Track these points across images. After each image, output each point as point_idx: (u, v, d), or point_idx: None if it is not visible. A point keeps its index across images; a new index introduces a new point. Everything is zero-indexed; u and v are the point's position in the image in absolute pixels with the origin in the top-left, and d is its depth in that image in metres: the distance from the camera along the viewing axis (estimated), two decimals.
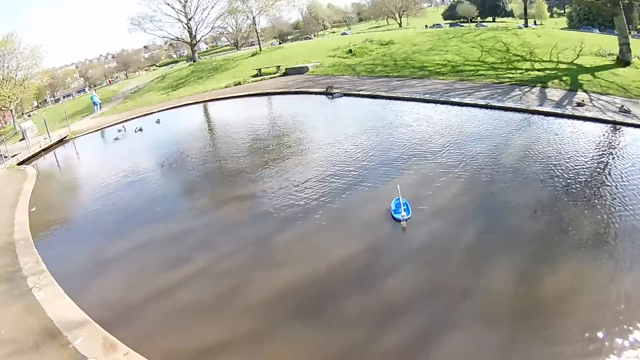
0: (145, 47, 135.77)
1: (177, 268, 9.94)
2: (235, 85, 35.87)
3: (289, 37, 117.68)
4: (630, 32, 31.07)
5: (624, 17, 27.80)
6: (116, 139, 25.40)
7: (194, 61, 61.87)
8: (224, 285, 9.22)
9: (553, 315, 7.71)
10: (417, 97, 24.94)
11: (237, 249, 10.54)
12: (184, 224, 12.36)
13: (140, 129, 26.68)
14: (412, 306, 8.20)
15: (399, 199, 11.50)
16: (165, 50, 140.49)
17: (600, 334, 7.12)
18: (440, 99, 24.05)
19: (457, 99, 23.53)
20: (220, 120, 26.45)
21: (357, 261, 9.67)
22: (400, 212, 11.10)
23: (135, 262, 10.74)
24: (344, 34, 79.95)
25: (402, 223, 10.94)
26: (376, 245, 10.33)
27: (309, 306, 8.40)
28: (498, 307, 8.04)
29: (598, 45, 29.50)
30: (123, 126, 28.45)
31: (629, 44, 27.02)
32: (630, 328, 7.21)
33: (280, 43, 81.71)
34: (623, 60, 26.67)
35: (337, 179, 13.95)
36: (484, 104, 22.51)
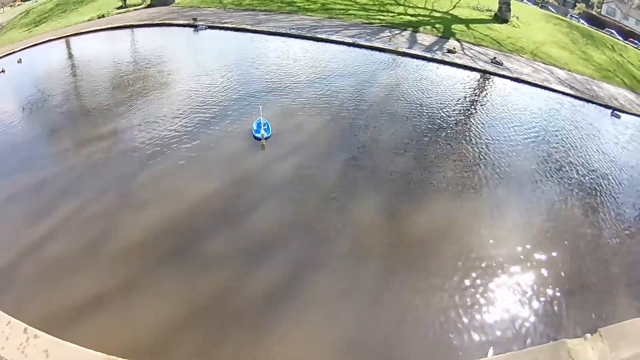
0: None
1: (44, 219, 9.39)
2: (99, 18, 32.90)
3: None
4: None
5: None
6: None
7: None
8: (91, 233, 8.90)
9: (424, 248, 8.42)
10: (283, 31, 22.68)
11: (102, 192, 10.13)
12: (47, 170, 11.56)
13: (3, 71, 22.91)
14: (281, 243, 8.44)
15: (259, 119, 12.12)
16: None
17: (469, 266, 7.95)
18: (307, 35, 21.74)
19: (324, 36, 21.38)
20: (83, 56, 24.85)
21: (222, 194, 9.84)
22: (260, 132, 11.71)
23: (1, 218, 9.82)
24: None
25: (261, 141, 11.55)
26: (240, 178, 10.44)
27: (178, 247, 8.34)
28: (369, 242, 8.54)
29: (477, 0, 28.82)
30: None
31: (509, 3, 26.58)
32: (499, 260, 8.16)
33: None
34: (501, 18, 26.15)
35: (199, 113, 13.60)
36: (352, 42, 20.43)
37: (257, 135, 11.75)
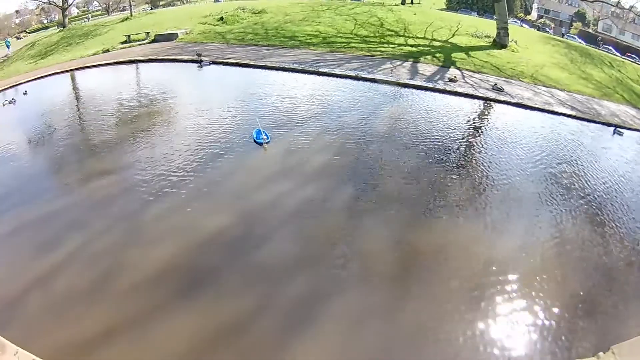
0: (16, 11, 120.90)
1: (52, 253, 9.41)
2: (104, 52, 33.24)
3: (161, 3, 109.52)
4: (509, 19, 31.23)
5: (505, 4, 27.90)
6: None
7: (64, 27, 54.19)
8: (101, 267, 8.89)
9: (433, 271, 8.59)
10: (286, 66, 23.08)
11: (110, 227, 10.13)
12: (54, 203, 11.53)
13: (13, 101, 23.28)
14: (293, 273, 8.47)
15: (259, 129, 13.57)
16: (37, 15, 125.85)
17: (476, 287, 8.09)
18: (309, 69, 22.16)
19: (326, 70, 21.85)
20: (88, 90, 25.16)
21: (231, 230, 9.77)
22: (261, 137, 13.19)
23: (8, 250, 9.84)
24: (216, 1, 73.84)
25: (263, 145, 12.93)
26: (250, 218, 10.29)
27: (189, 282, 8.32)
28: (380, 267, 8.65)
29: (475, 27, 29.98)
30: None
31: (507, 28, 27.06)
32: (501, 279, 8.35)
33: (152, 9, 75.34)
34: (500, 43, 26.60)
35: (204, 149, 13.66)
36: (354, 75, 20.85)
37: (259, 140, 13.14)
